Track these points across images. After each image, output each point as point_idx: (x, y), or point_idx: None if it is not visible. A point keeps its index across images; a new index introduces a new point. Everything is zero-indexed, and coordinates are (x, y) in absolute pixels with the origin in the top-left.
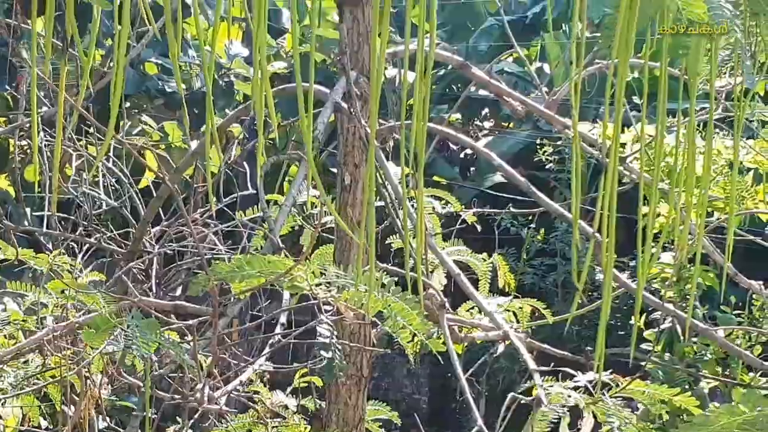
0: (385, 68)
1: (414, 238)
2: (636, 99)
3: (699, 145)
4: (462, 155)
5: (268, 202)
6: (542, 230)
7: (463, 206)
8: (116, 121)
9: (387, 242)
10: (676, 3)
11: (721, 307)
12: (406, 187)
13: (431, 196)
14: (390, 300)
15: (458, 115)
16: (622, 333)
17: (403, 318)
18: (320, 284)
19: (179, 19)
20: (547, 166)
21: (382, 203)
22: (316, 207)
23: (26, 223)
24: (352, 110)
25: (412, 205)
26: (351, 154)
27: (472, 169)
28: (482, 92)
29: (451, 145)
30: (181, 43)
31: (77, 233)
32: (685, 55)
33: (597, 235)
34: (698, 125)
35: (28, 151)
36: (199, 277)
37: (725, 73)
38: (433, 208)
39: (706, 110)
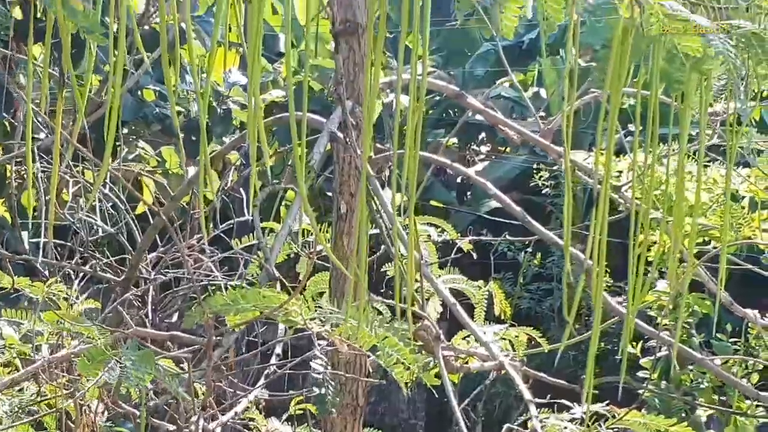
0: (380, 98)
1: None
2: (634, 124)
3: (694, 173)
4: (459, 179)
5: (264, 229)
6: (539, 255)
7: (459, 234)
8: (113, 147)
9: (383, 270)
10: (670, 38)
11: (717, 334)
12: (400, 215)
13: (427, 223)
14: (382, 335)
15: (455, 140)
16: (619, 358)
17: (397, 352)
18: (314, 318)
19: (176, 46)
20: (543, 191)
21: (378, 231)
22: (312, 234)
23: (25, 247)
24: (347, 140)
25: (408, 234)
26: (347, 183)
27: (468, 193)
28: (479, 117)
29: (448, 170)
30: (178, 70)
31: (74, 260)
32: (679, 90)
33: (590, 262)
34: (694, 153)
35: (26, 176)
36: (194, 310)
37: (720, 100)
38: (429, 235)
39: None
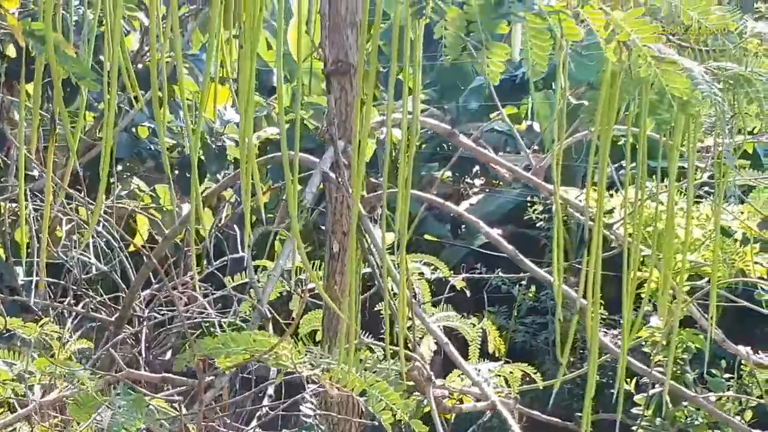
0: (372, 136)
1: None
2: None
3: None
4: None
5: (257, 267)
6: (533, 288)
7: (452, 272)
8: (108, 184)
9: (376, 309)
10: (658, 79)
11: (712, 370)
12: (392, 254)
13: (420, 261)
14: (371, 380)
15: (449, 173)
16: (614, 391)
17: (386, 397)
18: (304, 362)
19: (164, 85)
20: (537, 224)
21: (370, 270)
22: (305, 272)
23: (18, 283)
24: (339, 180)
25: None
26: (339, 222)
27: (462, 227)
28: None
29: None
30: (166, 106)
31: (67, 299)
32: (667, 129)
33: (583, 301)
34: (686, 189)
35: (18, 213)
36: (185, 353)
37: (710, 136)
38: (422, 273)
39: (696, 171)
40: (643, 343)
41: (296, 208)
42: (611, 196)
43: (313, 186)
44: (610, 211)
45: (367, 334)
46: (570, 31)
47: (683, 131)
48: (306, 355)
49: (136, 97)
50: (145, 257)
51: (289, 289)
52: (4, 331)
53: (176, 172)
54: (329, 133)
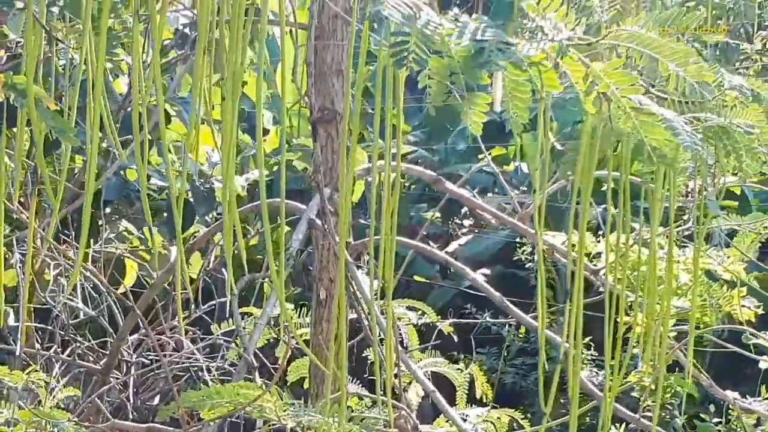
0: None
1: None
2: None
3: (675, 255)
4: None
5: (244, 314)
6: (523, 329)
7: (441, 314)
8: (96, 227)
9: (364, 355)
10: (637, 131)
11: (701, 414)
12: (377, 300)
13: (407, 306)
14: (356, 431)
15: (437, 213)
16: None
17: None
18: (288, 414)
19: (161, 129)
20: (527, 265)
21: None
22: (292, 318)
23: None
24: (326, 227)
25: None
26: (326, 269)
27: (451, 267)
28: (461, 190)
29: (430, 244)
30: (159, 148)
31: (54, 345)
32: (649, 178)
33: (567, 345)
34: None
35: (8, 255)
36: (170, 405)
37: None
38: (409, 318)
39: (679, 219)
40: (634, 387)
41: (282, 261)
42: (598, 240)
43: (299, 233)
44: (597, 255)
45: (354, 379)
46: (550, 82)
47: (664, 177)
48: (291, 406)
49: (124, 143)
50: (130, 306)
51: (276, 335)
52: None
53: (165, 214)
54: (315, 180)
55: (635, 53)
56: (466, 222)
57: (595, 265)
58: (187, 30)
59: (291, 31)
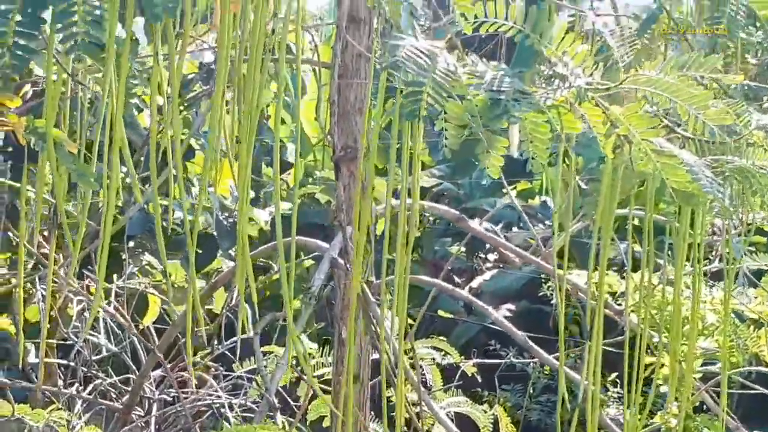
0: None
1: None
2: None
3: (703, 294)
4: (466, 289)
5: (266, 353)
6: (547, 366)
7: (464, 353)
8: (120, 261)
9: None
10: (658, 173)
11: None
12: (402, 340)
13: (430, 346)
14: None
15: (462, 248)
16: None
17: None
18: None
19: (179, 165)
20: (551, 301)
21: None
22: (314, 357)
23: (28, 362)
24: (348, 266)
25: (410, 358)
26: (348, 308)
27: None
28: (486, 223)
29: (455, 278)
30: (183, 183)
31: (76, 381)
32: (672, 218)
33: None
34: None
35: (31, 291)
36: None
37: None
38: (433, 359)
39: (705, 257)
40: (661, 428)
41: (301, 301)
42: (623, 277)
43: (321, 272)
44: (621, 295)
45: (375, 419)
46: (569, 124)
47: (690, 216)
48: None
49: (147, 178)
50: (153, 346)
51: (297, 375)
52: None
53: (187, 249)
54: (338, 219)
55: (655, 96)
56: (491, 256)
57: (619, 304)
58: (213, 65)
59: (315, 69)
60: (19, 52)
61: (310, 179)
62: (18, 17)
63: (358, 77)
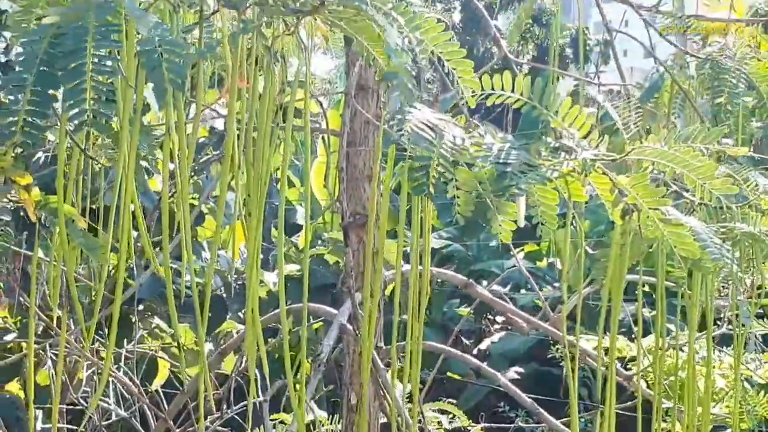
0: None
1: None
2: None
3: (714, 359)
4: (475, 351)
5: (275, 420)
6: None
7: (470, 420)
8: (130, 324)
9: None
10: (667, 241)
11: None
12: (408, 404)
13: (438, 410)
14: None
15: (471, 310)
16: None
17: None
18: None
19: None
20: (561, 363)
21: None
22: (323, 425)
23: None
24: (357, 332)
25: (419, 421)
26: (357, 374)
27: (485, 364)
28: (495, 286)
29: (464, 340)
30: (194, 247)
31: None
32: (682, 283)
33: None
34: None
35: (43, 357)
36: None
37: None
38: (440, 422)
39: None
40: None
41: (303, 392)
42: (630, 340)
43: (330, 339)
44: (632, 360)
45: None
46: (576, 192)
47: (700, 280)
48: None
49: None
50: (162, 412)
51: None
52: None
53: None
54: (347, 285)
55: (661, 167)
56: (499, 318)
57: (629, 369)
58: (224, 130)
59: (324, 137)
60: (31, 130)
61: (319, 241)
62: (29, 95)
63: (366, 144)
